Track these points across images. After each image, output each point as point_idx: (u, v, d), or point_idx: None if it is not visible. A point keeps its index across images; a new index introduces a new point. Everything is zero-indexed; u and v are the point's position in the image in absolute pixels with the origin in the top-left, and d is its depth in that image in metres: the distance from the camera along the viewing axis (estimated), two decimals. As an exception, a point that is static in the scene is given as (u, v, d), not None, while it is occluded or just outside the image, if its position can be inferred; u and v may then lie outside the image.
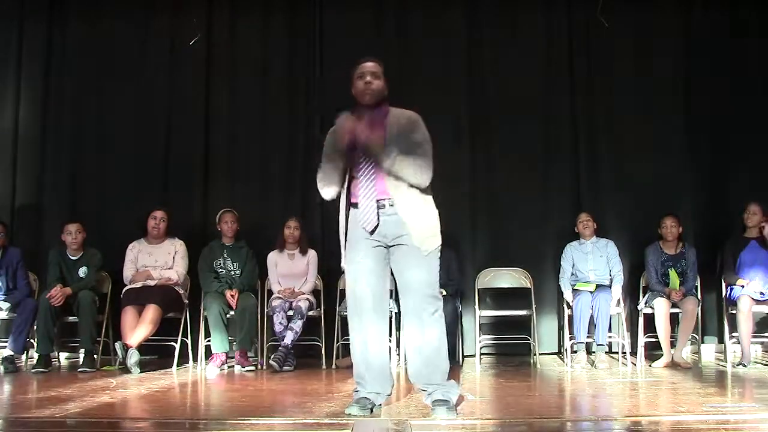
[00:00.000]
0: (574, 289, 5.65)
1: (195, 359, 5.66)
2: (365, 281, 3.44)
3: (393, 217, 3.38)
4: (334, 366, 5.51)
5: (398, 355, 5.36)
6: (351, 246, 3.48)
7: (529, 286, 5.94)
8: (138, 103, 6.41)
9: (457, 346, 5.69)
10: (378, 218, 3.39)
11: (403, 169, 3.36)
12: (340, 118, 3.47)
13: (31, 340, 5.48)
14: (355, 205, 3.45)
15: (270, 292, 5.77)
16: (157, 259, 5.67)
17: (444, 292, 5.52)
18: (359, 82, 3.48)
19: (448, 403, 3.36)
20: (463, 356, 5.83)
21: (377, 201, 3.39)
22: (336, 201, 3.54)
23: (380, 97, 3.50)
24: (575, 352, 5.51)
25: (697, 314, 5.53)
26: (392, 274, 3.50)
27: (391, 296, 3.78)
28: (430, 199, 3.50)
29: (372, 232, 3.41)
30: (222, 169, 6.41)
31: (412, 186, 3.40)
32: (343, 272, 3.55)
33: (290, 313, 5.42)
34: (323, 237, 6.12)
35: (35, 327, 5.36)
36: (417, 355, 3.43)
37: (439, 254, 3.47)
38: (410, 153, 3.38)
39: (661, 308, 5.44)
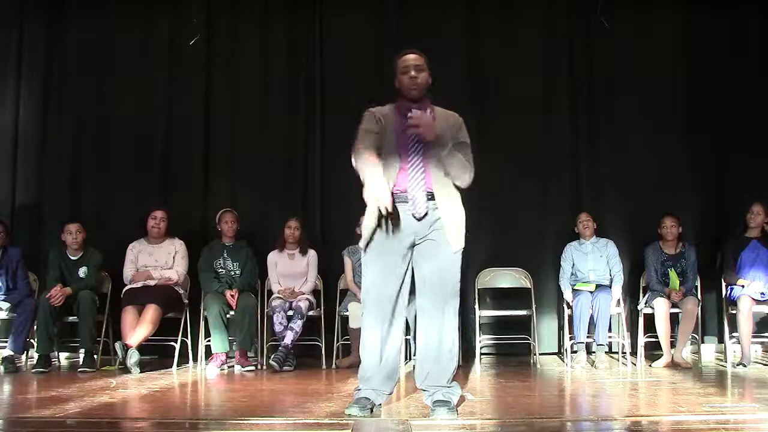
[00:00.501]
0: (574, 289, 5.65)
1: (195, 359, 5.66)
2: (386, 279, 3.39)
3: (434, 212, 3.37)
4: (334, 366, 5.51)
5: (407, 356, 5.39)
6: (377, 241, 3.41)
7: (529, 286, 5.95)
8: (138, 103, 6.40)
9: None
10: (427, 208, 3.36)
11: (453, 164, 3.37)
12: (414, 111, 3.39)
13: (31, 340, 5.48)
14: (398, 196, 3.36)
15: (270, 292, 5.78)
16: (157, 259, 5.68)
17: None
18: (404, 77, 3.45)
19: (449, 404, 3.35)
20: (464, 356, 5.81)
21: (426, 193, 3.37)
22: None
23: (424, 90, 3.50)
24: (575, 352, 5.51)
25: (697, 314, 5.53)
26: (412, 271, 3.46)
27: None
28: (460, 199, 3.49)
29: (420, 219, 3.36)
30: (222, 169, 6.41)
31: (450, 182, 3.40)
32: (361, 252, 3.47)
33: (290, 313, 5.43)
34: (323, 237, 6.12)
35: (35, 327, 5.36)
36: (428, 353, 3.41)
37: (462, 254, 3.44)
38: (459, 151, 3.40)
39: (661, 308, 5.44)
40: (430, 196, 3.38)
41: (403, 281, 3.42)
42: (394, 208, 3.28)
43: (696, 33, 6.38)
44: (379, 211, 3.25)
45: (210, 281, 5.62)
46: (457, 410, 3.39)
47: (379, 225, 3.39)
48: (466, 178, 3.43)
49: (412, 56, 3.47)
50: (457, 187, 3.46)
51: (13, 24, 6.51)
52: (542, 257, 6.19)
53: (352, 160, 3.37)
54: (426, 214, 3.36)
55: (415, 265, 3.43)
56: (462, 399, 3.69)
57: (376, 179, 3.22)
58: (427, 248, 3.39)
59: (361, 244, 3.46)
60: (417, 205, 3.36)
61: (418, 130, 3.35)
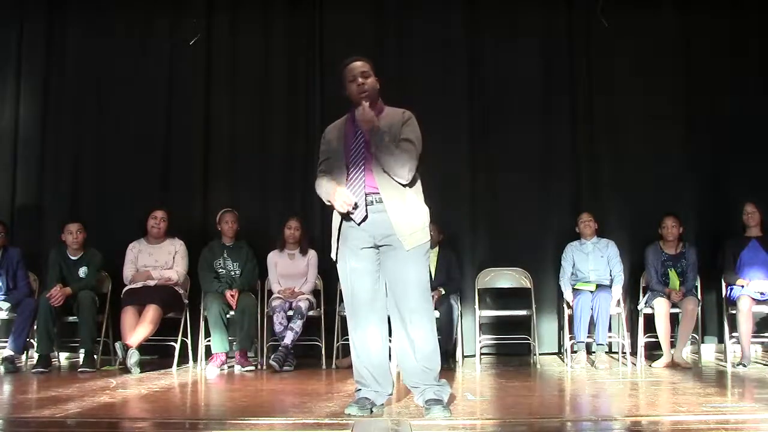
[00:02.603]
0: (574, 289, 5.65)
1: (195, 359, 5.66)
2: (359, 282, 3.45)
3: (381, 215, 3.37)
4: (334, 366, 5.51)
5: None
6: (343, 244, 3.49)
7: (529, 286, 5.94)
8: (138, 103, 6.41)
9: (456, 346, 5.69)
10: (366, 212, 3.39)
11: (387, 158, 3.34)
12: (357, 110, 3.42)
13: (31, 340, 5.48)
14: None
15: (270, 292, 5.77)
16: (157, 259, 5.68)
17: (443, 291, 5.54)
18: (352, 85, 3.47)
19: (442, 402, 3.36)
20: (463, 356, 5.82)
21: (366, 195, 3.39)
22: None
23: (375, 95, 3.49)
24: (575, 352, 5.51)
25: (697, 314, 5.53)
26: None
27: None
28: (418, 195, 3.47)
29: (359, 223, 3.40)
30: (222, 169, 6.41)
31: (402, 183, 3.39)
32: (334, 263, 3.57)
33: (290, 313, 5.42)
34: (323, 237, 6.11)
35: (35, 327, 5.35)
36: (406, 355, 3.43)
37: (426, 252, 3.44)
38: (398, 145, 3.38)
39: (661, 308, 5.44)
40: (378, 198, 3.38)
41: (376, 282, 3.46)
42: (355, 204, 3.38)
43: (696, 33, 6.38)
44: (341, 218, 3.42)
45: (210, 281, 5.62)
46: (450, 408, 3.39)
47: (340, 232, 3.48)
48: (402, 173, 3.36)
49: (357, 63, 3.49)
50: (406, 185, 3.40)
51: (13, 24, 6.51)
52: (542, 257, 6.19)
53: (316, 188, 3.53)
54: (366, 217, 3.38)
55: (382, 270, 3.46)
56: (453, 397, 3.70)
57: (330, 187, 3.42)
58: (385, 252, 3.43)
59: (332, 254, 3.55)
60: (355, 211, 3.39)
61: (360, 124, 3.38)
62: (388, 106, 3.59)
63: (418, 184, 3.48)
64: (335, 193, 3.39)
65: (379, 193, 3.38)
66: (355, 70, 3.47)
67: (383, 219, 3.37)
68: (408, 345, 3.40)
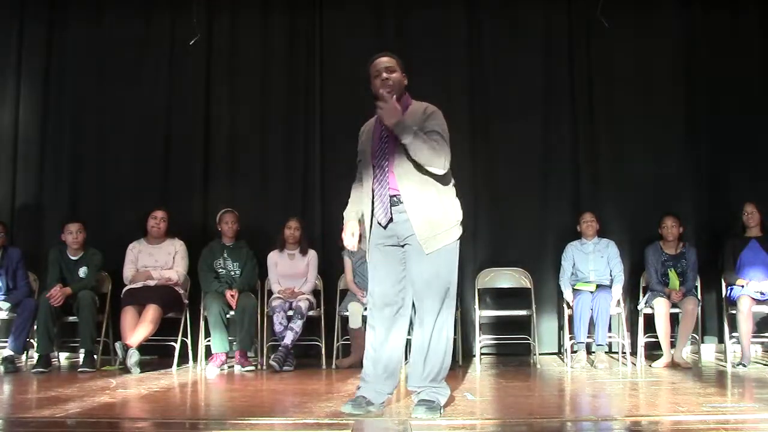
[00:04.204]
0: (574, 289, 5.65)
1: (195, 359, 5.66)
2: (380, 278, 3.47)
3: (403, 215, 3.39)
4: (334, 366, 5.50)
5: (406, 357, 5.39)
6: (372, 241, 3.51)
7: (529, 286, 5.94)
8: (138, 104, 6.41)
9: (456, 346, 5.69)
10: (391, 213, 3.40)
11: (419, 150, 3.32)
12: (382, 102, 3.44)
13: (31, 340, 5.48)
14: (375, 202, 3.46)
15: (270, 292, 5.77)
16: (158, 259, 5.68)
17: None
18: (376, 81, 3.49)
19: (431, 403, 3.37)
20: (463, 356, 5.82)
21: (390, 197, 3.40)
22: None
23: (400, 90, 3.51)
24: (575, 352, 5.51)
25: (697, 314, 5.53)
26: None
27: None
28: (448, 193, 3.46)
29: (385, 227, 3.42)
30: (222, 169, 6.41)
31: (425, 179, 3.37)
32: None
33: (290, 313, 5.43)
34: (323, 237, 6.12)
35: (35, 327, 5.35)
36: (419, 355, 3.44)
37: (451, 252, 3.42)
38: (428, 137, 3.38)
39: (661, 308, 5.44)
40: (399, 199, 3.39)
41: (397, 281, 3.47)
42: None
43: (696, 33, 6.38)
44: (371, 216, 3.47)
45: (210, 281, 5.62)
46: (441, 410, 3.40)
47: (371, 230, 3.50)
48: (438, 163, 3.35)
49: (383, 59, 3.52)
50: (440, 181, 3.41)
51: (13, 24, 6.51)
52: (542, 257, 6.19)
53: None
54: (390, 220, 3.40)
55: (406, 267, 3.48)
56: (452, 399, 3.70)
57: (346, 215, 3.58)
58: (409, 252, 3.43)
59: (363, 247, 3.59)
60: (378, 213, 3.42)
61: (381, 114, 3.37)
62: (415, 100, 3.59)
63: (449, 181, 3.47)
64: (345, 227, 3.56)
65: (399, 194, 3.39)
66: (380, 65, 3.49)
67: (405, 220, 3.38)
68: (420, 343, 3.42)
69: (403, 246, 3.45)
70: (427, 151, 3.32)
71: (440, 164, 3.35)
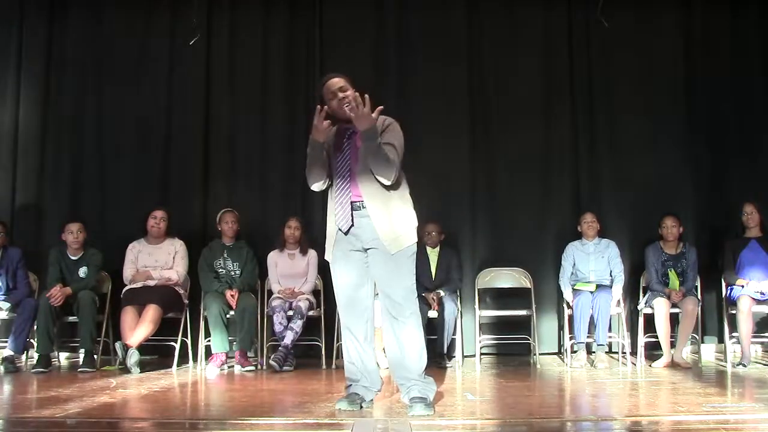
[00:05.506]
0: (574, 289, 5.65)
1: (195, 359, 5.66)
2: (347, 284, 3.58)
3: (366, 219, 3.49)
4: (334, 366, 5.50)
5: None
6: (336, 247, 3.61)
7: (529, 286, 5.94)
8: (138, 103, 6.40)
9: (456, 346, 5.69)
10: (352, 219, 3.50)
11: (375, 159, 3.40)
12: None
13: (31, 340, 5.47)
14: (334, 206, 3.58)
15: (270, 292, 5.77)
16: (157, 259, 5.67)
17: (442, 293, 5.55)
18: (333, 101, 3.54)
19: (425, 400, 3.45)
20: (463, 356, 5.82)
21: (351, 202, 3.50)
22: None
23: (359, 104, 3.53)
24: (575, 352, 5.52)
25: (697, 314, 5.52)
26: None
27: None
28: (403, 200, 3.56)
29: (346, 233, 3.52)
30: (222, 169, 6.41)
31: (382, 186, 3.47)
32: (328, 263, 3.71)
33: (290, 313, 5.43)
34: (323, 237, 6.10)
35: (35, 327, 5.35)
36: (394, 353, 3.53)
37: (411, 255, 3.53)
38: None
39: (661, 308, 5.44)
40: (362, 204, 3.48)
41: (363, 284, 3.58)
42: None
43: (696, 33, 6.38)
44: (334, 224, 3.54)
45: (210, 281, 5.62)
46: (434, 407, 3.47)
47: (335, 237, 3.59)
48: (389, 175, 3.44)
49: (334, 80, 3.57)
50: (396, 188, 3.50)
51: (13, 24, 6.50)
52: (542, 257, 6.18)
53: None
54: (351, 226, 3.50)
55: (369, 271, 3.57)
56: (440, 395, 3.77)
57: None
58: (373, 255, 3.53)
59: (326, 256, 3.68)
60: (343, 215, 3.51)
61: (355, 119, 3.38)
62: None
63: (404, 189, 3.58)
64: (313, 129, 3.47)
65: (363, 201, 3.48)
66: (333, 86, 3.55)
67: (368, 224, 3.48)
68: (395, 342, 3.52)
69: (366, 251, 3.54)
70: (383, 161, 3.41)
71: (390, 176, 3.45)
